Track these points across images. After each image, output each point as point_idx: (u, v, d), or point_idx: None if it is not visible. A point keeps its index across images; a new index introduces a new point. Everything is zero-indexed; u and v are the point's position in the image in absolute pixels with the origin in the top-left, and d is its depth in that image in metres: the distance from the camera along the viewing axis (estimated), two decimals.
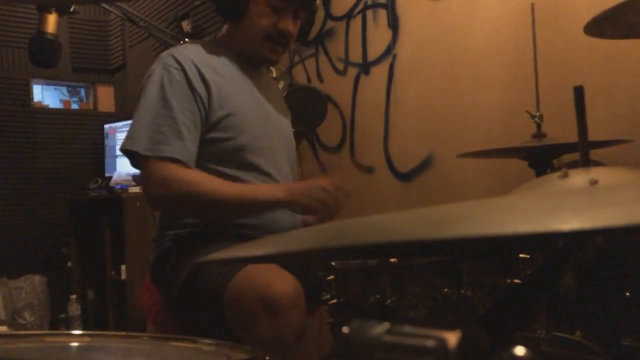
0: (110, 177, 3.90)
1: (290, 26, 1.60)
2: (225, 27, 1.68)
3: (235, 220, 1.55)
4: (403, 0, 2.49)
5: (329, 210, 1.49)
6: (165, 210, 1.61)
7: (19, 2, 3.66)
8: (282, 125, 1.73)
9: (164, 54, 1.57)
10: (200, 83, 1.51)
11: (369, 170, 2.64)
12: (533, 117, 1.62)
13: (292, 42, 1.65)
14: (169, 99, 1.48)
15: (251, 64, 1.67)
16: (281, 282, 1.33)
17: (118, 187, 3.67)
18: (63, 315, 3.96)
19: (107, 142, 4.18)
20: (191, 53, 1.57)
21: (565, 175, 0.79)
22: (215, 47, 1.64)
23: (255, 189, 1.51)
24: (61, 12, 2.70)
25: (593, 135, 1.04)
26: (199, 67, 1.53)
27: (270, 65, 1.82)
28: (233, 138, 1.55)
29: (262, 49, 1.61)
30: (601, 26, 1.20)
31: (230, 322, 1.39)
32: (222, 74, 1.58)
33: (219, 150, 1.54)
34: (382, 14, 2.57)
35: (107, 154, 4.17)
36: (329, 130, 2.79)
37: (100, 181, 4.02)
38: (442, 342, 0.35)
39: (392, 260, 1.05)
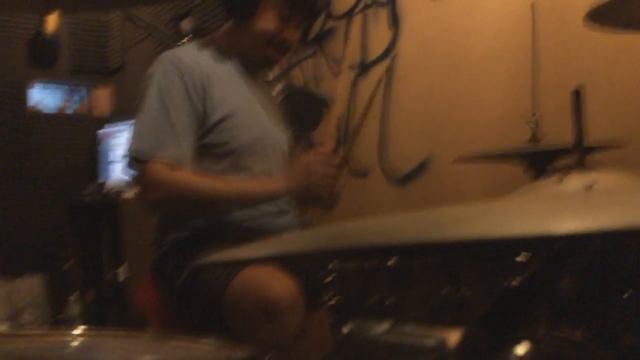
0: (105, 182, 3.92)
1: (294, 36, 1.61)
2: (226, 26, 1.68)
3: (234, 222, 1.56)
4: (404, 0, 2.49)
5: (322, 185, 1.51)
6: (160, 213, 1.63)
7: (22, 9, 3.65)
8: (278, 128, 1.73)
9: (162, 56, 1.58)
10: (197, 87, 1.52)
11: (364, 174, 2.63)
12: (528, 122, 1.61)
13: (292, 50, 1.67)
14: (167, 104, 1.51)
15: (249, 65, 1.67)
16: (279, 284, 1.33)
17: (113, 191, 3.69)
18: (63, 315, 3.95)
19: (101, 147, 4.19)
20: (188, 55, 1.59)
21: (561, 180, 0.79)
22: (213, 48, 1.64)
23: (249, 183, 1.54)
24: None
25: (593, 136, 1.04)
26: (195, 70, 1.54)
27: (268, 67, 1.82)
28: (229, 141, 1.56)
29: (263, 52, 1.61)
30: (601, 18, 1.20)
31: (229, 323, 1.39)
32: (220, 75, 1.58)
33: (215, 153, 1.56)
34: (383, 13, 2.57)
35: (101, 158, 4.18)
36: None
37: (95, 186, 4.03)
38: (442, 342, 0.35)
39: (391, 261, 1.05)
